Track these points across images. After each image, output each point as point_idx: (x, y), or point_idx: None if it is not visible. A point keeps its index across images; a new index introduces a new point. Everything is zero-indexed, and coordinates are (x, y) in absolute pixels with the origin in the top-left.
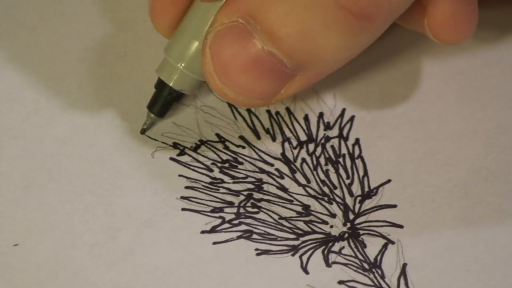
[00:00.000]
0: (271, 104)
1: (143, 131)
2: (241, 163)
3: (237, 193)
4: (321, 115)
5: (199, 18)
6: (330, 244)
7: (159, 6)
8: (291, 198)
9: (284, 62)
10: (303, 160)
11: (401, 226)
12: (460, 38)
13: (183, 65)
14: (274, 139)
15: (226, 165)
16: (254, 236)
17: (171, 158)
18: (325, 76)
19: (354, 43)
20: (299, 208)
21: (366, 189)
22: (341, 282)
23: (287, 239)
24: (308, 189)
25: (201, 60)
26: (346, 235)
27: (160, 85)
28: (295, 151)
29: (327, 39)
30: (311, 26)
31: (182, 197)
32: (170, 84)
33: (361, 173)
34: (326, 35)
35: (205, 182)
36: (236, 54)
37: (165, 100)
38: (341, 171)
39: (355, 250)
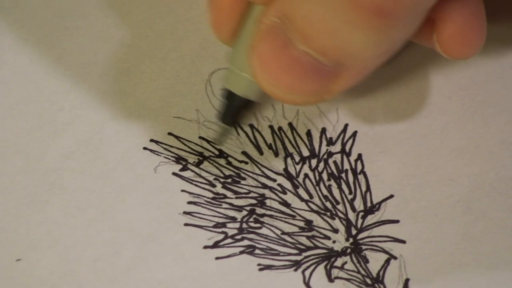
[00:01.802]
0: (325, 100)
1: (214, 142)
2: (244, 179)
3: (239, 208)
4: (323, 131)
5: (255, 24)
6: (333, 259)
7: (220, 16)
8: (294, 214)
9: (321, 60)
10: (306, 175)
11: (403, 241)
12: (469, 53)
13: (247, 73)
14: (276, 154)
15: (229, 180)
16: (257, 251)
17: (174, 173)
18: (373, 69)
19: (383, 39)
20: (301, 224)
21: (369, 204)
22: None
23: (289, 254)
24: (310, 204)
25: (249, 62)
26: (349, 250)
27: (228, 95)
28: (298, 167)
29: (353, 37)
30: (335, 24)
31: (185, 212)
32: (237, 93)
33: (364, 188)
34: (351, 33)
35: (208, 197)
36: (276, 55)
37: (234, 109)
38: (344, 186)
39: (358, 265)
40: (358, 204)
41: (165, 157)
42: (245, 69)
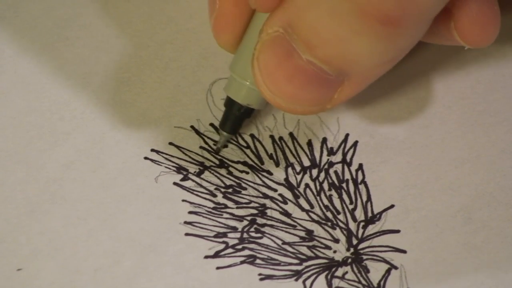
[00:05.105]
0: (328, 110)
1: (217, 151)
2: (245, 189)
3: (240, 218)
4: (324, 141)
5: (258, 32)
6: (334, 269)
7: (222, 22)
8: (295, 223)
9: (324, 69)
10: (307, 185)
11: (404, 251)
12: (487, 38)
13: (248, 81)
14: (277, 164)
15: (230, 190)
16: (258, 261)
17: (175, 183)
18: (375, 79)
19: (388, 48)
20: (302, 233)
21: (370, 214)
22: None
23: (290, 264)
24: (311, 214)
25: (251, 70)
26: (350, 260)
27: (229, 102)
28: (299, 177)
29: (359, 45)
30: (341, 33)
31: (186, 222)
32: (238, 101)
33: (364, 198)
34: (357, 42)
35: (209, 207)
36: (279, 64)
37: (235, 117)
38: (345, 196)
39: (358, 275)
40: (359, 214)
41: (166, 167)
42: (247, 77)
